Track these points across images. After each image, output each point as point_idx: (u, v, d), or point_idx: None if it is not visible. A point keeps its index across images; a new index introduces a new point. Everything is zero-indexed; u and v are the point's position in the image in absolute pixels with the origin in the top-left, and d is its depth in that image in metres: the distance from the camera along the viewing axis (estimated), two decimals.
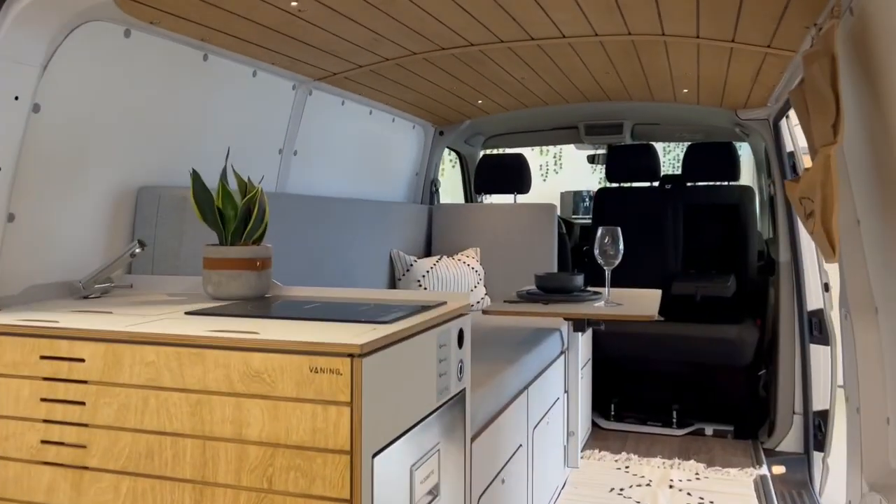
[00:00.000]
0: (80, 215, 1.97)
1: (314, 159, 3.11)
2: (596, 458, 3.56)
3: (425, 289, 3.59)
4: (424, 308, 1.61)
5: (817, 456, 3.37)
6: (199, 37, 2.22)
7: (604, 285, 2.71)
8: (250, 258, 1.83)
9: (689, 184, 4.33)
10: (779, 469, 3.44)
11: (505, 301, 2.80)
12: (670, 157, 7.76)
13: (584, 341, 3.57)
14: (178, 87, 2.27)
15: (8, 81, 1.65)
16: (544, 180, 8.07)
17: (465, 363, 1.76)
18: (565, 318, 3.00)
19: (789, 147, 3.61)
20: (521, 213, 3.99)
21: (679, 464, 3.48)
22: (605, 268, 2.65)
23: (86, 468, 1.39)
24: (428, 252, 4.06)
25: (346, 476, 1.24)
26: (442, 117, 4.05)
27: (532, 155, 7.45)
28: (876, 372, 1.93)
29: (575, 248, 4.56)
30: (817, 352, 3.47)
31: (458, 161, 5.04)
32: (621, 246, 2.60)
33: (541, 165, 8.15)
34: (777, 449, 3.63)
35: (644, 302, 2.71)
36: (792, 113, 3.34)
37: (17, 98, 1.68)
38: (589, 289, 2.87)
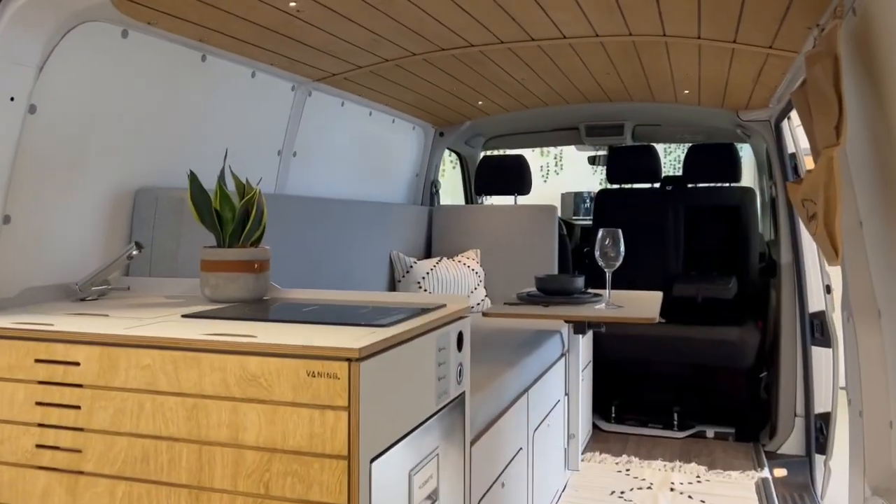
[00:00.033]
0: (76, 217, 1.95)
1: (313, 160, 3.10)
2: (597, 461, 3.55)
3: (425, 290, 3.58)
4: (423, 311, 1.60)
5: (819, 459, 3.35)
6: (197, 37, 2.21)
7: (604, 287, 2.69)
8: (248, 260, 1.82)
9: (690, 185, 4.31)
10: (780, 472, 3.42)
11: (505, 303, 2.79)
12: (671, 159, 7.74)
13: (584, 343, 3.55)
14: (176, 87, 2.26)
15: (3, 82, 1.64)
16: (545, 181, 8.06)
17: (465, 366, 1.75)
18: (566, 321, 2.98)
19: (791, 148, 3.60)
20: (522, 214, 3.97)
21: (680, 466, 3.46)
22: (605, 270, 2.63)
23: (81, 473, 1.38)
24: (428, 253, 4.05)
25: (344, 481, 1.22)
26: (442, 118, 4.04)
27: (533, 156, 7.45)
28: (879, 375, 1.92)
29: (576, 250, 4.54)
30: (819, 354, 3.46)
31: (458, 162, 5.02)
32: (622, 248, 2.58)
33: (541, 166, 8.14)
34: (778, 452, 3.61)
35: (645, 304, 2.69)
36: (793, 114, 3.32)
37: (12, 99, 1.66)
38: (590, 291, 2.86)
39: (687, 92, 3.47)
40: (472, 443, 1.96)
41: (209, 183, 1.89)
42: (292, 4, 2.02)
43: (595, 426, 4.02)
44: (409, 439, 1.43)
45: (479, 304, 3.75)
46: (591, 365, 3.83)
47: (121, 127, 2.07)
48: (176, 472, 1.32)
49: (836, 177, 1.58)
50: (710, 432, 3.95)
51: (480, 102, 3.71)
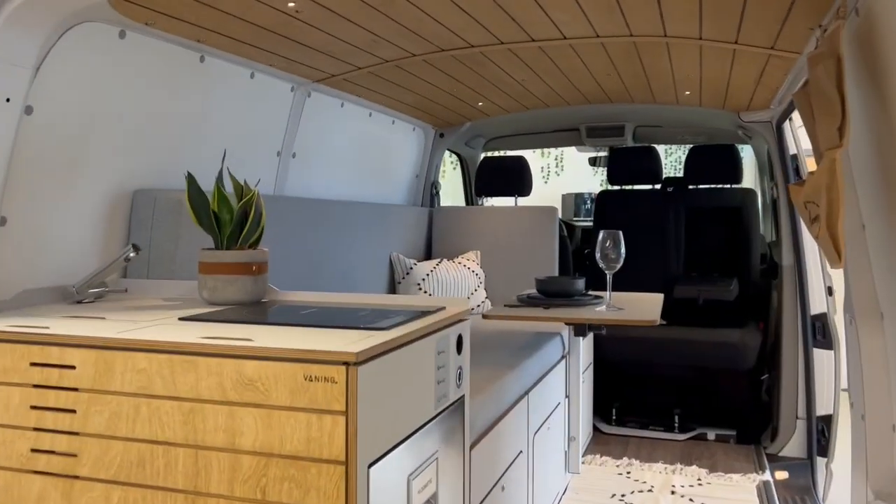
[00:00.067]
0: (74, 219, 1.94)
1: (313, 162, 3.09)
2: (597, 464, 3.53)
3: (425, 292, 3.57)
4: (422, 314, 1.59)
5: (821, 461, 3.33)
6: (195, 38, 2.19)
7: (605, 288, 2.68)
8: (246, 262, 1.80)
9: (690, 186, 4.30)
10: (782, 475, 3.41)
11: (505, 305, 2.78)
12: (672, 160, 7.73)
13: (585, 345, 3.54)
14: (174, 88, 2.25)
15: None
16: (545, 182, 8.05)
17: (464, 369, 1.73)
18: (566, 323, 2.97)
19: (792, 149, 3.58)
20: (522, 215, 3.96)
21: (681, 469, 3.44)
22: (606, 272, 2.62)
23: (76, 477, 1.36)
24: (428, 255, 4.04)
25: (342, 487, 1.21)
26: (442, 119, 4.03)
27: (533, 157, 7.45)
28: (881, 378, 1.91)
29: (576, 251, 4.53)
30: (821, 356, 3.44)
31: (458, 163, 5.01)
32: (623, 250, 2.57)
33: (542, 167, 8.13)
34: (780, 454, 3.59)
35: (646, 306, 2.68)
36: (795, 115, 3.31)
37: (8, 100, 1.65)
38: (590, 293, 2.85)
39: (688, 93, 3.45)
40: (472, 446, 1.94)
41: (208, 184, 1.87)
42: (291, 5, 2.00)
43: (596, 428, 4.01)
44: (407, 443, 1.42)
45: (479, 305, 3.74)
46: (591, 367, 3.82)
47: (119, 128, 2.06)
48: (172, 476, 1.31)
49: (838, 179, 1.57)
50: (711, 434, 3.93)
51: (480, 103, 3.70)
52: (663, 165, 4.51)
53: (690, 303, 3.86)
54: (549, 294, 2.79)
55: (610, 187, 4.61)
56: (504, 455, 2.28)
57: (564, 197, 7.10)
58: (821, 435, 3.39)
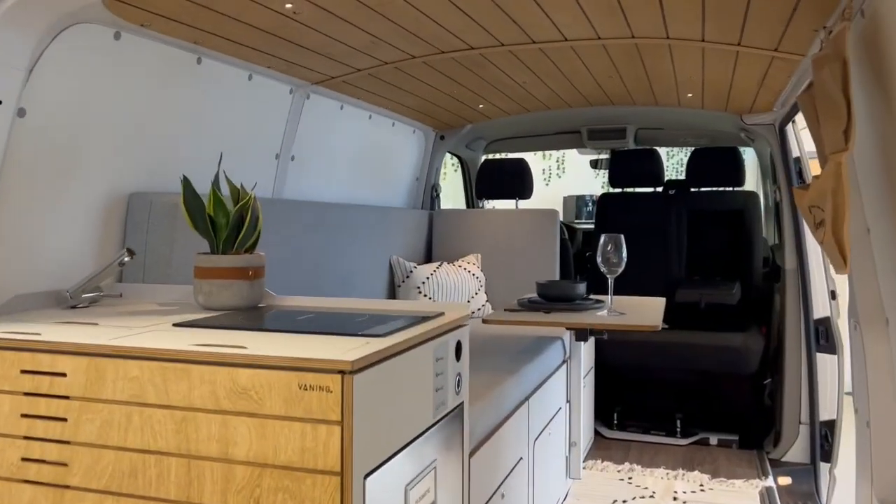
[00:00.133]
0: (68, 222, 1.92)
1: (312, 164, 3.07)
2: (598, 469, 3.50)
3: (425, 296, 3.54)
4: (421, 319, 1.56)
5: (824, 467, 3.31)
6: (192, 39, 2.17)
7: (607, 291, 2.65)
8: (242, 267, 1.78)
9: (693, 189, 4.27)
10: (785, 480, 3.38)
11: (506, 309, 2.75)
12: (674, 162, 7.71)
13: (586, 349, 3.51)
14: (171, 90, 2.23)
15: None
16: (547, 184, 8.02)
17: (464, 376, 1.71)
18: (567, 328, 2.94)
19: (795, 152, 3.56)
20: (523, 218, 3.93)
21: (683, 475, 3.41)
22: (608, 276, 2.59)
23: (67, 487, 1.34)
24: (428, 258, 4.01)
25: (337, 498, 1.18)
26: (443, 122, 4.00)
27: (534, 159, 7.43)
28: (886, 384, 1.88)
29: (577, 254, 4.51)
30: (824, 360, 3.42)
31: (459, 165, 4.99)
32: (624, 254, 2.54)
33: (543, 169, 8.10)
34: (783, 459, 3.57)
35: (648, 311, 2.65)
36: (798, 117, 3.29)
37: (0, 102, 1.63)
38: (591, 297, 2.82)
39: (690, 95, 3.43)
40: (471, 454, 1.92)
41: (206, 188, 1.85)
42: (288, 6, 1.98)
43: (597, 433, 3.98)
44: (405, 453, 1.39)
45: (479, 309, 3.72)
46: (592, 371, 3.79)
47: (114, 131, 2.03)
48: (164, 487, 1.28)
49: (844, 183, 1.55)
50: (713, 439, 3.90)
51: (481, 106, 3.68)
52: (665, 168, 4.48)
53: (692, 306, 3.83)
54: (550, 298, 2.76)
55: (611, 190, 4.59)
56: (504, 462, 2.26)
57: (566, 199, 7.08)
58: (824, 440, 3.36)
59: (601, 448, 3.81)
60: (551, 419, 2.86)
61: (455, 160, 5.10)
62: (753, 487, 3.27)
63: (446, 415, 1.60)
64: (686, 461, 3.62)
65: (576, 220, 6.76)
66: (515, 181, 4.15)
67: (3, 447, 1.38)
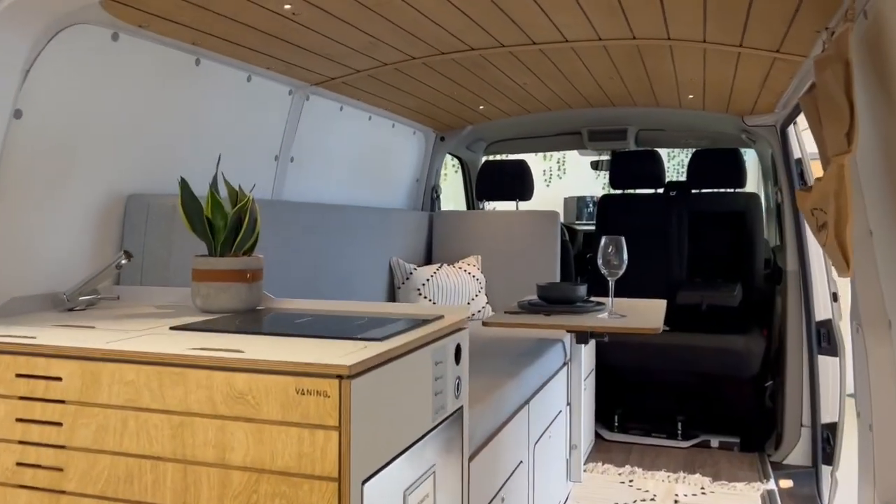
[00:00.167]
0: (65, 224, 1.90)
1: (312, 166, 3.05)
2: (599, 472, 3.49)
3: (425, 297, 3.53)
4: (420, 323, 1.55)
5: (826, 470, 3.29)
6: (190, 40, 2.16)
7: (607, 292, 2.63)
8: (240, 270, 1.76)
9: (693, 190, 4.26)
10: (786, 483, 3.36)
11: (506, 312, 2.73)
12: (675, 163, 7.69)
13: (587, 352, 3.50)
14: (169, 92, 2.21)
15: None
16: (548, 185, 8.01)
17: (463, 380, 1.69)
18: (568, 331, 2.93)
19: (797, 154, 3.55)
20: (524, 220, 3.92)
21: (684, 477, 3.40)
22: (608, 278, 2.58)
23: (63, 492, 1.32)
24: (428, 260, 4.00)
25: None
26: (443, 123, 3.99)
27: (535, 160, 7.41)
28: (889, 387, 1.87)
29: (578, 255, 4.49)
30: (825, 363, 3.40)
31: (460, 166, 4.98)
32: (625, 256, 2.52)
33: (544, 170, 8.09)
34: (784, 462, 3.55)
35: (649, 313, 2.64)
36: (800, 119, 3.27)
37: None
38: (592, 299, 2.80)
39: (691, 96, 3.42)
40: (471, 458, 1.90)
41: (204, 189, 1.84)
42: (287, 7, 1.97)
43: (598, 435, 3.96)
44: (403, 457, 1.38)
45: (479, 311, 3.70)
46: (593, 373, 3.77)
47: (112, 132, 2.02)
48: (161, 492, 1.27)
49: (847, 185, 1.53)
50: (714, 442, 3.89)
51: (482, 107, 3.67)
52: (666, 169, 4.47)
53: (693, 308, 3.82)
54: (551, 301, 2.74)
55: (612, 191, 4.58)
56: (504, 466, 2.24)
57: (566, 200, 7.07)
58: (826, 443, 3.35)
59: (602, 450, 3.79)
60: (552, 422, 2.85)
61: (456, 161, 5.08)
62: (755, 490, 3.26)
63: (445, 419, 1.58)
64: (687, 464, 3.60)
65: (576, 221, 6.75)
66: (516, 182, 4.13)
67: None
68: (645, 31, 2.38)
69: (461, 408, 1.69)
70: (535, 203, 4.23)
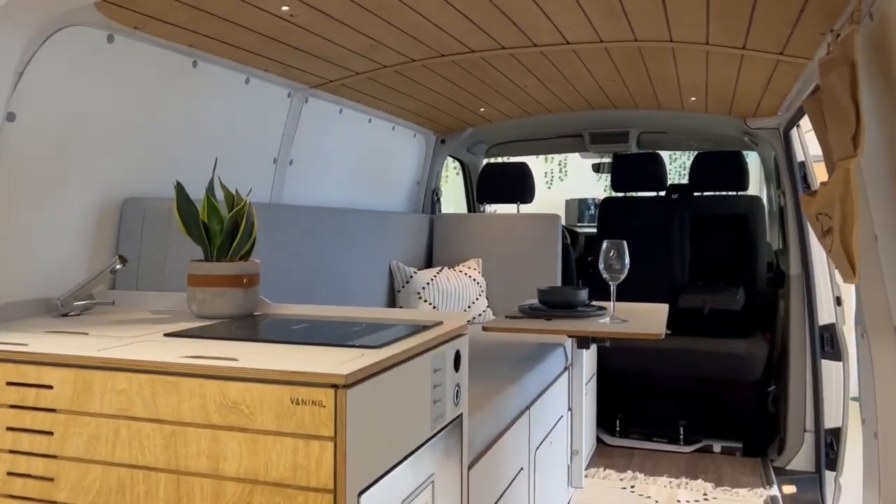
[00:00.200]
0: (60, 229, 1.88)
1: (311, 169, 3.03)
2: (601, 477, 3.46)
3: (425, 301, 3.50)
4: (419, 329, 1.52)
5: (829, 475, 3.26)
6: (187, 42, 2.13)
7: (609, 295, 2.60)
8: (236, 275, 1.74)
9: (696, 193, 4.23)
10: (789, 489, 3.33)
11: (506, 316, 2.71)
12: (676, 165, 7.66)
13: (588, 356, 3.47)
14: (165, 94, 2.19)
15: None
16: (549, 188, 7.98)
17: (462, 387, 1.67)
18: (569, 336, 2.90)
19: (800, 157, 3.52)
20: (525, 223, 3.89)
21: (686, 483, 3.37)
22: (610, 282, 2.55)
23: (54, 503, 1.30)
24: (429, 263, 3.97)
25: None
26: (443, 125, 3.97)
27: (537, 162, 7.39)
28: (894, 394, 1.84)
29: (580, 258, 4.46)
30: (829, 367, 3.37)
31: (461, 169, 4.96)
32: (627, 260, 2.49)
33: (545, 173, 8.07)
34: (787, 467, 3.52)
35: (651, 318, 2.61)
36: (803, 121, 3.24)
37: None
38: (594, 303, 2.78)
39: (693, 99, 3.39)
40: (471, 466, 1.87)
41: (202, 193, 1.81)
42: (285, 8, 1.94)
43: (599, 440, 3.93)
44: (401, 467, 1.35)
45: (480, 314, 3.67)
46: (594, 377, 3.74)
47: (107, 135, 1.99)
48: (153, 503, 1.24)
49: (853, 190, 1.51)
50: (716, 447, 3.85)
51: (482, 109, 3.64)
52: (668, 171, 4.44)
53: (696, 312, 3.79)
54: (552, 305, 2.72)
55: (614, 194, 4.55)
56: (504, 473, 2.21)
57: (568, 202, 7.04)
58: (829, 448, 3.32)
59: (603, 455, 3.76)
60: (552, 428, 2.82)
61: (456, 164, 5.06)
62: (758, 496, 3.23)
63: (444, 427, 1.56)
64: (689, 469, 3.57)
65: (578, 224, 6.73)
66: (517, 185, 4.11)
67: None
68: (647, 32, 2.35)
69: (460, 415, 1.66)
70: (537, 205, 4.21)
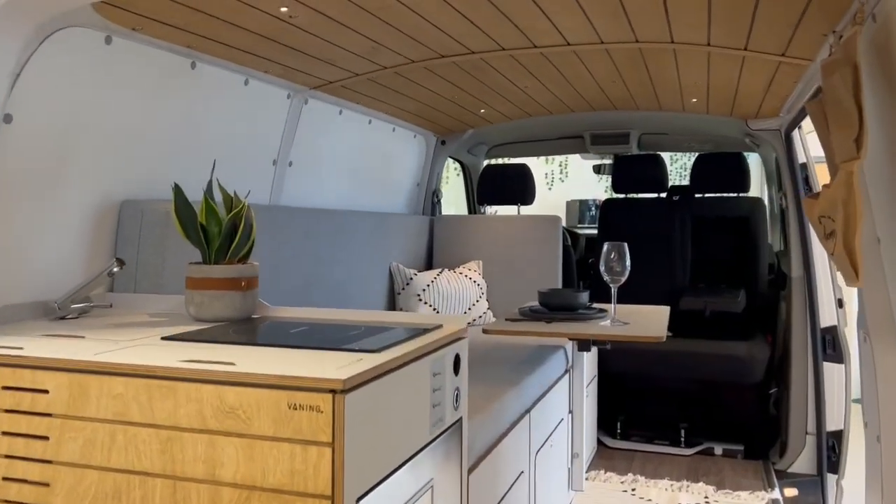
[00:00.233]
0: (57, 231, 1.87)
1: (311, 170, 3.02)
2: (601, 480, 3.45)
3: (425, 303, 3.49)
4: (418, 332, 1.51)
5: (831, 478, 3.24)
6: (185, 44, 2.12)
7: (610, 297, 2.59)
8: (235, 278, 1.73)
9: (697, 195, 4.22)
10: (791, 492, 3.32)
11: (507, 319, 2.70)
12: (677, 167, 7.65)
13: (588, 358, 3.46)
14: (164, 96, 2.18)
15: None
16: (550, 189, 7.97)
17: (462, 391, 1.66)
18: (569, 338, 2.89)
19: (801, 158, 3.51)
20: (525, 224, 3.88)
21: (687, 486, 3.36)
22: (611, 285, 2.54)
23: None
24: (429, 265, 3.96)
25: None
26: (444, 127, 3.96)
27: (537, 163, 7.37)
28: None
29: (580, 260, 4.45)
30: (831, 370, 3.36)
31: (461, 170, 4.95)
32: (628, 262, 2.48)
33: (546, 174, 8.05)
34: (789, 470, 3.50)
35: (652, 320, 2.60)
36: (805, 123, 3.23)
37: None
38: (594, 306, 2.76)
39: (695, 100, 3.38)
40: (470, 470, 1.86)
41: (201, 196, 1.80)
42: (283, 10, 1.93)
43: (600, 442, 3.92)
44: (400, 472, 1.34)
45: (480, 316, 3.66)
46: (595, 380, 3.73)
47: (105, 137, 1.98)
48: None
49: (856, 193, 1.49)
50: (718, 449, 3.84)
51: (483, 111, 3.63)
52: (669, 172, 4.43)
53: (697, 314, 3.77)
54: (552, 307, 2.70)
55: (614, 196, 4.54)
56: (504, 477, 2.20)
57: (569, 204, 7.03)
58: (831, 451, 3.30)
59: (604, 458, 3.75)
60: (553, 431, 2.81)
61: (457, 165, 5.05)
62: (759, 499, 3.21)
63: (444, 431, 1.55)
64: (690, 472, 3.56)
65: (578, 225, 6.71)
66: (517, 186, 4.10)
67: None
68: (648, 34, 2.34)
69: (460, 419, 1.65)
70: (537, 206, 4.19)
